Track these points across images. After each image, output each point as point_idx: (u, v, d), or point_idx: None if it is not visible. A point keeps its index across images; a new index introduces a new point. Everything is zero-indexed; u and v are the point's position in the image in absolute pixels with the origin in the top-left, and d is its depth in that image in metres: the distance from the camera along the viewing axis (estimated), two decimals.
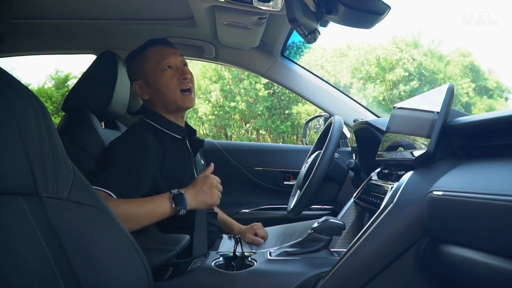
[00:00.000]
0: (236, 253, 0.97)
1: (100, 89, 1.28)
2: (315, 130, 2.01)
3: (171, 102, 1.22)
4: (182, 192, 1.05)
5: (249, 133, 13.87)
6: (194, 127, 1.36)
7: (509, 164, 0.68)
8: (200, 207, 1.09)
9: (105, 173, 1.06)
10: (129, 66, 1.29)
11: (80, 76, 1.33)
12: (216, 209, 1.50)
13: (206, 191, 1.07)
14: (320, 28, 0.98)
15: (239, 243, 1.01)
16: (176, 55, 1.25)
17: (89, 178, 1.07)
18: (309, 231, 0.97)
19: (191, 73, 1.26)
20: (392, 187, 0.91)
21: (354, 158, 1.66)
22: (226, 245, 1.32)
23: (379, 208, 0.86)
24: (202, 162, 1.36)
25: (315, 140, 1.54)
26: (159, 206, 1.03)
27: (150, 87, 1.24)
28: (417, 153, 0.88)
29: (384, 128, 1.19)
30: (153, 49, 1.25)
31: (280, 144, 9.50)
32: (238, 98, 13.06)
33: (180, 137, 1.25)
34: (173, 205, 1.03)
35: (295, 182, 1.51)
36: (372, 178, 1.16)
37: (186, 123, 1.34)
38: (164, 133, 1.23)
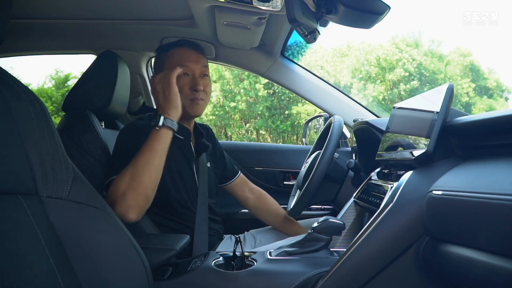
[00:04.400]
0: (236, 253, 0.98)
1: (100, 89, 1.28)
2: (315, 130, 2.01)
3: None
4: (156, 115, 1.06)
5: (249, 133, 13.88)
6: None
7: (509, 164, 0.68)
8: (171, 109, 1.07)
9: (113, 165, 1.08)
10: (155, 58, 1.31)
11: (80, 76, 1.33)
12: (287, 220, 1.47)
13: (163, 98, 1.07)
14: (320, 28, 0.98)
15: (239, 243, 1.01)
16: (198, 63, 1.23)
17: (104, 173, 1.09)
18: (309, 231, 0.97)
19: (207, 85, 1.25)
20: (392, 187, 0.91)
21: (354, 158, 1.66)
22: (226, 246, 1.32)
23: (379, 207, 0.86)
24: (208, 165, 1.35)
25: (315, 140, 1.54)
26: (151, 137, 1.03)
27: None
28: (416, 153, 0.88)
29: (384, 128, 1.19)
30: (178, 50, 1.24)
31: (280, 144, 9.48)
32: (238, 98, 13.06)
33: (182, 137, 1.25)
34: (157, 128, 1.03)
35: (295, 182, 1.51)
36: (372, 178, 1.16)
37: (196, 125, 1.35)
38: None
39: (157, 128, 1.03)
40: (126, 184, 0.96)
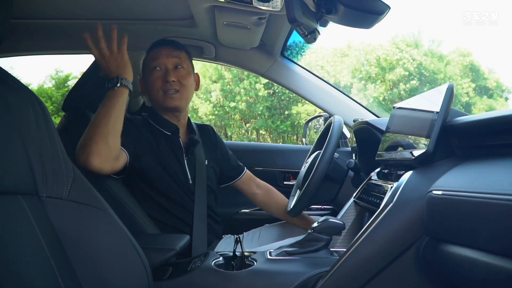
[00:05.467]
0: (236, 253, 0.98)
1: (100, 89, 1.28)
2: (315, 130, 2.00)
3: (156, 101, 1.29)
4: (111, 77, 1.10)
5: (249, 133, 13.88)
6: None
7: (509, 164, 0.68)
8: (126, 73, 1.11)
9: None
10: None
11: (80, 76, 1.33)
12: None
13: (116, 65, 1.10)
14: (320, 28, 0.98)
15: (239, 243, 1.01)
16: (168, 56, 1.28)
17: None
18: (309, 231, 0.97)
19: (183, 77, 1.28)
20: (391, 187, 0.91)
21: (354, 158, 1.66)
22: (226, 245, 1.32)
23: (378, 207, 0.86)
24: (206, 162, 1.36)
25: (315, 140, 1.54)
26: (108, 97, 1.08)
27: (145, 86, 1.33)
28: (416, 152, 0.88)
29: (384, 128, 1.19)
30: (153, 50, 1.31)
31: (280, 144, 9.50)
32: (238, 98, 13.06)
33: (169, 133, 1.27)
34: (112, 87, 1.08)
35: (295, 182, 1.51)
36: (372, 178, 1.16)
37: (189, 122, 1.39)
38: (156, 128, 1.27)
39: (116, 88, 1.08)
40: (87, 135, 1.02)
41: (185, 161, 1.29)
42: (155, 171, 1.20)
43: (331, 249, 0.99)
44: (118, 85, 1.08)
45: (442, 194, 0.73)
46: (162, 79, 1.26)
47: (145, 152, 1.19)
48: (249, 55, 1.72)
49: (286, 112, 13.41)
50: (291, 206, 1.36)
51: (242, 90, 13.03)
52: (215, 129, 1.54)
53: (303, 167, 1.45)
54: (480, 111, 9.52)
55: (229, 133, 13.72)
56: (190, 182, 1.27)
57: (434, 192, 0.75)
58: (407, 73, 13.56)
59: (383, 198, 0.91)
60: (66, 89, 12.09)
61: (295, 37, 1.67)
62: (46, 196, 0.64)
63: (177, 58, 1.29)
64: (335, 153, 1.31)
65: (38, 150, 0.64)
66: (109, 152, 1.04)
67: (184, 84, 1.28)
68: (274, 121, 13.38)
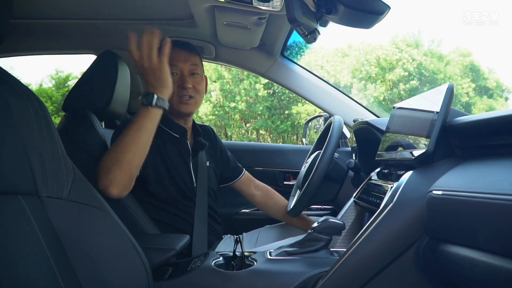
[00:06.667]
0: (236, 253, 0.98)
1: (100, 89, 1.28)
2: (315, 130, 2.01)
3: (169, 105, 1.24)
4: (148, 92, 1.03)
5: (249, 133, 13.88)
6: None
7: (509, 164, 0.68)
8: (164, 88, 1.03)
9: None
10: None
11: (80, 76, 1.33)
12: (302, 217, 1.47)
13: (155, 78, 1.02)
14: (320, 28, 0.98)
15: (239, 243, 1.01)
16: (186, 62, 1.24)
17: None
18: (309, 231, 0.97)
19: (198, 83, 1.25)
20: (391, 187, 0.91)
21: (354, 158, 1.66)
22: (226, 245, 1.32)
23: (378, 207, 0.86)
24: (207, 164, 1.36)
25: (315, 140, 1.54)
26: (141, 115, 1.00)
27: None
28: (416, 152, 0.88)
29: (384, 128, 1.20)
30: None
31: (280, 144, 9.48)
32: (238, 98, 13.07)
33: (178, 136, 1.26)
34: (147, 105, 1.00)
35: (295, 182, 1.51)
36: (372, 178, 1.17)
37: (194, 124, 1.36)
38: (163, 129, 1.26)
39: (150, 107, 1.00)
40: (111, 159, 0.96)
41: (191, 164, 1.29)
42: (160, 173, 1.20)
43: (331, 249, 0.99)
44: (153, 104, 1.00)
45: (442, 194, 0.73)
46: (178, 85, 1.22)
47: (152, 158, 1.17)
48: (249, 55, 1.72)
49: (286, 112, 13.41)
50: (291, 206, 1.36)
51: (242, 90, 13.03)
52: (215, 130, 1.53)
53: (303, 167, 1.45)
54: (480, 111, 9.51)
55: (229, 133, 13.73)
56: (195, 184, 1.27)
57: (434, 192, 0.75)
58: (407, 73, 13.56)
59: (383, 198, 0.91)
60: (66, 89, 12.10)
61: (295, 37, 1.67)
62: (46, 196, 0.64)
63: (195, 65, 1.26)
64: (335, 153, 1.31)
65: (38, 150, 0.64)
66: (130, 182, 0.99)
67: (198, 90, 1.26)
68: (274, 121, 13.38)
